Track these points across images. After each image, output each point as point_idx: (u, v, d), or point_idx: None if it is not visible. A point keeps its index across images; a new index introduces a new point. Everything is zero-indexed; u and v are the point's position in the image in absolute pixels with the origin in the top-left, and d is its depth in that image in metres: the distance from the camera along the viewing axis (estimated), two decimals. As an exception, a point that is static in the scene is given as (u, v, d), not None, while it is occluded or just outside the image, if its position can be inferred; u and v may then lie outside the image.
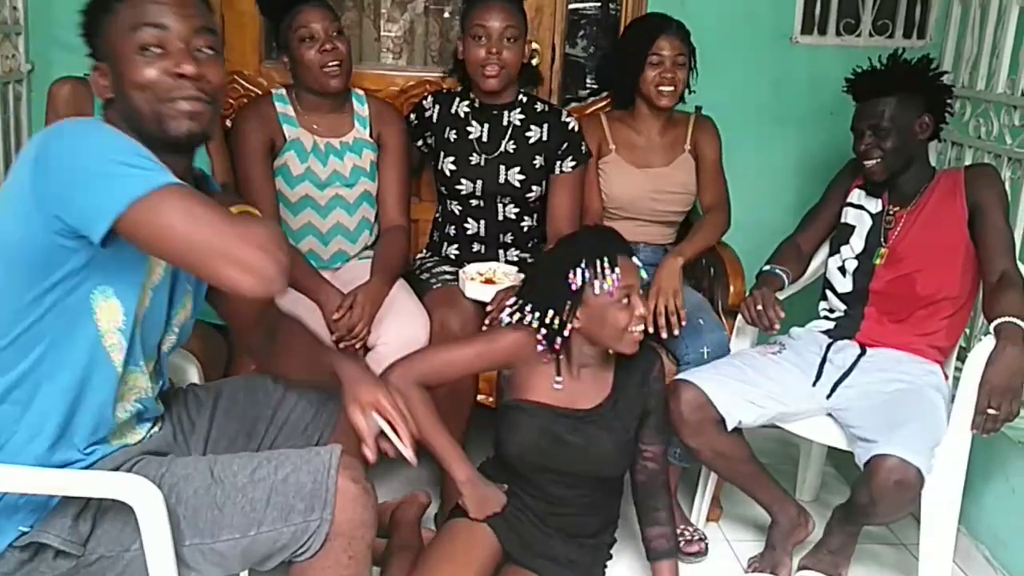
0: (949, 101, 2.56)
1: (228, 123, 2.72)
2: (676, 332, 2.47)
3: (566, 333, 2.09)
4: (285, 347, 1.90)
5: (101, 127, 1.49)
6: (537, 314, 2.11)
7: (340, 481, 1.59)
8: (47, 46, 2.96)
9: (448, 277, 2.68)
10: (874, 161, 2.49)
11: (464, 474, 2.16)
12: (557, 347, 2.12)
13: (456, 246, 2.80)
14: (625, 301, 2.07)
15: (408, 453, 1.69)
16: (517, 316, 2.15)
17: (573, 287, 2.05)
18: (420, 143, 2.82)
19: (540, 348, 2.14)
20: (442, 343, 2.40)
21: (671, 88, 2.72)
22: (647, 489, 2.28)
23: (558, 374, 2.16)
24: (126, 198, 1.34)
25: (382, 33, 3.36)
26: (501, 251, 2.78)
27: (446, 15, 3.33)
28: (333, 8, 2.63)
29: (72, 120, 1.49)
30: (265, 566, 1.63)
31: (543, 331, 2.11)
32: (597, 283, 2.04)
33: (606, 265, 2.05)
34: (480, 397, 2.60)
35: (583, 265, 2.05)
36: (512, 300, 2.20)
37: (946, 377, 2.50)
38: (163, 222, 1.36)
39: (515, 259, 2.78)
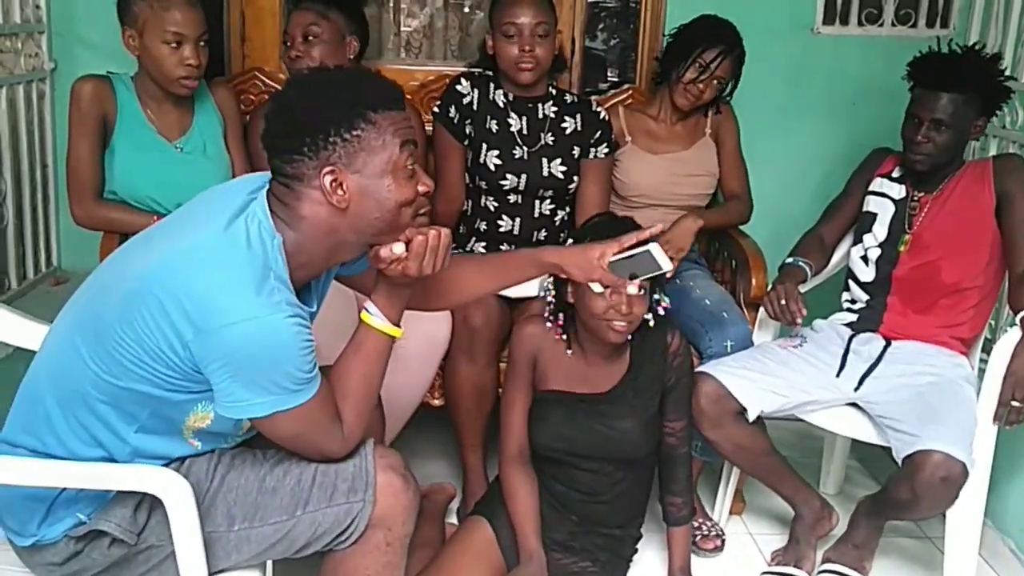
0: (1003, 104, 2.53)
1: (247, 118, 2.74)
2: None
3: (570, 300, 2.15)
4: None
5: (283, 339, 1.52)
6: (550, 287, 2.21)
7: (379, 471, 1.68)
8: (70, 45, 2.99)
9: (472, 271, 2.67)
10: (923, 155, 2.45)
11: (532, 548, 2.18)
12: (559, 323, 2.20)
13: (484, 244, 2.76)
14: (606, 291, 2.06)
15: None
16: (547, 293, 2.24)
17: None
18: (466, 142, 2.71)
19: (549, 323, 2.22)
20: (467, 341, 2.46)
21: (694, 100, 2.77)
22: (665, 463, 2.31)
23: (568, 347, 2.23)
24: (271, 409, 1.55)
25: (402, 28, 3.36)
26: None
27: (465, 9, 3.33)
28: (323, 9, 2.62)
29: (262, 323, 1.49)
30: (302, 553, 1.69)
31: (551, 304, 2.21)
32: None
33: None
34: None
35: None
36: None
37: (972, 368, 2.48)
38: (279, 430, 1.60)
39: None
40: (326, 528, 1.65)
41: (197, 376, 1.53)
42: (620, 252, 1.86)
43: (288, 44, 2.62)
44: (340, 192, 1.55)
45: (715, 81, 2.75)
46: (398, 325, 1.73)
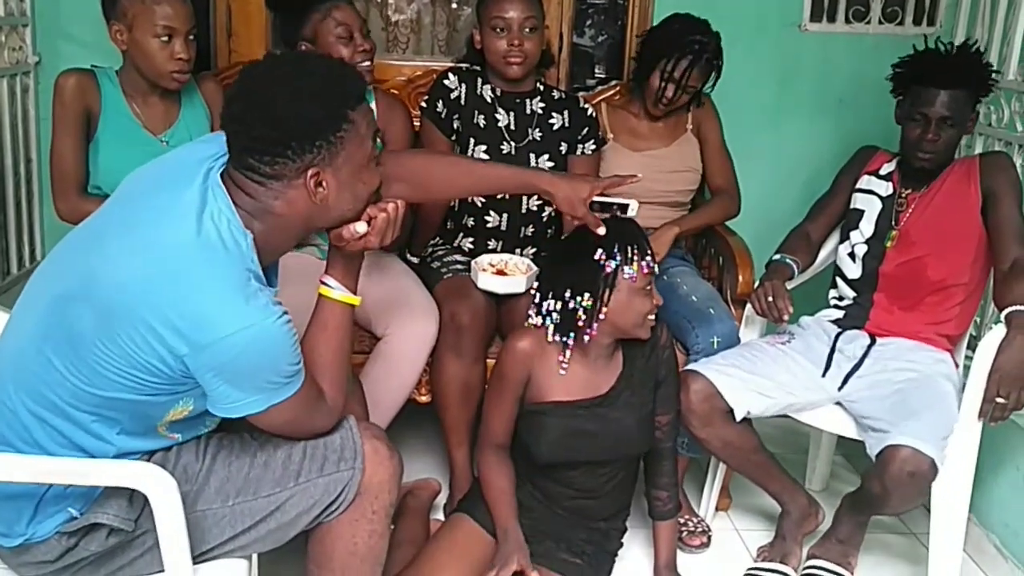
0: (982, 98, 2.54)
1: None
2: None
3: (602, 316, 2.08)
4: None
5: (269, 340, 1.52)
6: (560, 302, 2.09)
7: (365, 440, 1.73)
8: (54, 38, 2.97)
9: (459, 267, 2.66)
10: (933, 152, 2.45)
11: (508, 526, 2.18)
12: (594, 333, 2.10)
13: (472, 239, 2.76)
14: (649, 288, 2.10)
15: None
16: (538, 309, 2.14)
17: (607, 270, 2.05)
18: (453, 137, 2.71)
19: (562, 340, 2.12)
20: (454, 337, 2.45)
21: (667, 106, 2.78)
22: (651, 456, 2.31)
23: (560, 355, 2.15)
24: (266, 404, 1.57)
25: (389, 23, 3.35)
26: (518, 249, 2.74)
27: (453, 5, 3.32)
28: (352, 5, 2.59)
29: (253, 330, 1.49)
30: (291, 531, 1.71)
31: (557, 319, 2.11)
32: (627, 269, 2.06)
33: (636, 252, 2.06)
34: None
35: (615, 250, 2.06)
36: (536, 294, 2.17)
37: (956, 366, 2.49)
38: (274, 420, 1.62)
39: (530, 256, 2.75)
40: (317, 499, 1.68)
41: (185, 381, 1.53)
42: (603, 195, 2.06)
43: (346, 38, 2.51)
44: (321, 190, 1.56)
45: (686, 91, 2.75)
46: (355, 293, 1.77)
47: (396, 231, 1.72)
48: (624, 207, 2.09)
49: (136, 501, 1.62)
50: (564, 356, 2.14)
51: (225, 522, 1.67)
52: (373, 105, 2.68)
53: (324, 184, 1.56)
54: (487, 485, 2.23)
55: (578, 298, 2.07)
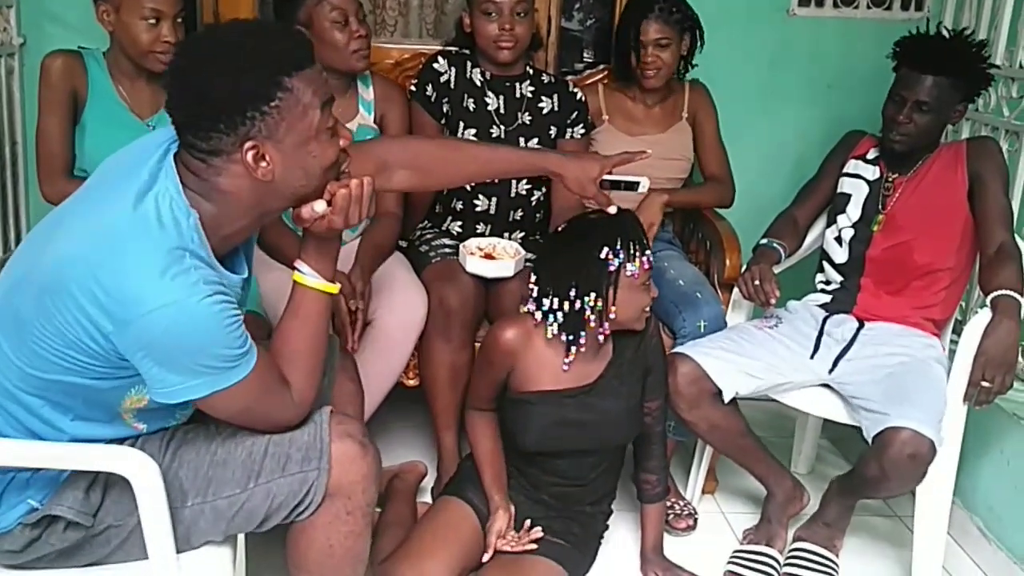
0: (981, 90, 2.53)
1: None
2: None
3: (612, 316, 2.07)
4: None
5: (200, 318, 1.46)
6: (564, 301, 2.07)
7: (335, 439, 1.64)
8: (39, 19, 2.94)
9: (448, 251, 2.66)
10: (904, 135, 2.45)
11: (502, 501, 2.22)
12: (607, 332, 2.10)
13: (460, 223, 2.75)
14: (648, 283, 2.10)
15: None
16: (538, 305, 2.11)
17: (611, 268, 2.04)
18: (442, 120, 2.71)
19: (568, 338, 2.11)
20: (442, 321, 2.46)
21: (652, 72, 2.75)
22: (641, 441, 2.32)
23: (567, 356, 2.14)
24: (208, 390, 1.51)
25: (377, 5, 3.34)
26: (507, 233, 2.74)
27: (441, -12, 3.31)
28: None
29: (176, 305, 1.43)
30: (264, 527, 1.66)
31: (559, 316, 2.09)
32: (630, 266, 2.05)
33: (637, 248, 2.06)
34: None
35: (619, 246, 2.04)
36: (533, 289, 2.14)
37: (943, 350, 2.50)
38: (224, 408, 1.57)
39: (518, 240, 2.75)
40: (282, 499, 1.62)
41: (124, 364, 1.48)
42: (613, 173, 2.03)
43: (340, 23, 2.49)
44: (264, 164, 1.49)
45: (659, 48, 2.72)
46: (332, 280, 1.69)
47: (364, 210, 1.64)
48: (634, 184, 2.06)
49: (94, 494, 1.60)
50: (572, 354, 2.13)
51: (188, 522, 1.62)
52: (369, 89, 2.69)
53: (267, 158, 1.48)
54: (474, 445, 2.28)
55: (585, 298, 2.06)
